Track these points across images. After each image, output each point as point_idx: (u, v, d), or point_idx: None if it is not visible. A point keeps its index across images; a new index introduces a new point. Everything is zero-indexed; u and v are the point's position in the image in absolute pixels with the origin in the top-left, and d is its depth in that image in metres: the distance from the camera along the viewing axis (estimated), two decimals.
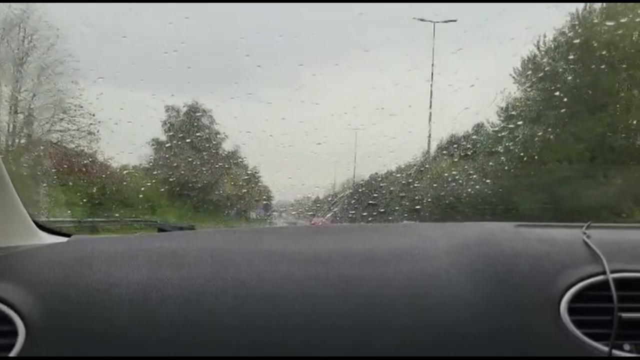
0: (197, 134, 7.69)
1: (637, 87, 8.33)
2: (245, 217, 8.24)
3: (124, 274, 0.99)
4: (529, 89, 8.76)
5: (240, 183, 7.54)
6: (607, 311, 0.89)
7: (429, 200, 5.70)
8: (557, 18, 8.38)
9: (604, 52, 7.61)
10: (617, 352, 0.88)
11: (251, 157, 7.66)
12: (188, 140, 7.08)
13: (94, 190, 4.43)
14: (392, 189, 5.55)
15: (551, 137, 7.98)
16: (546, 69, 8.55)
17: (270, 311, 0.93)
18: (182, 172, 6.11)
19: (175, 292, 0.95)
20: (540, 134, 7.66)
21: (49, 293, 0.96)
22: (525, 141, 7.54)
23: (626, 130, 8.26)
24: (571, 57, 8.04)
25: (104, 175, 4.84)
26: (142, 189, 5.51)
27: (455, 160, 6.77)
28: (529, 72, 8.77)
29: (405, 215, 5.27)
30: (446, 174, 6.00)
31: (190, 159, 6.55)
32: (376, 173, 6.79)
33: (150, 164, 6.15)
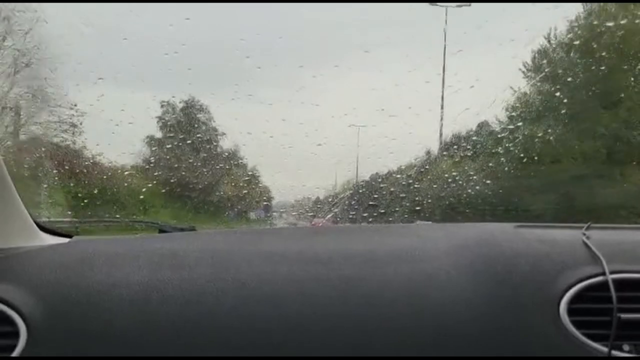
0: (198, 135, 7.70)
1: None
2: (246, 218, 8.24)
3: (125, 275, 0.99)
4: (538, 83, 8.57)
5: (241, 184, 7.54)
6: (607, 312, 0.89)
7: (429, 201, 5.69)
8: (557, 19, 8.37)
9: (619, 45, 7.40)
10: (616, 353, 0.88)
11: (252, 158, 7.66)
12: (189, 142, 7.08)
13: (95, 192, 4.43)
14: (392, 189, 5.55)
15: (564, 134, 7.76)
16: (557, 61, 8.32)
17: (270, 312, 0.93)
18: (183, 173, 6.12)
19: (176, 293, 0.95)
20: (550, 131, 7.48)
21: (50, 294, 0.96)
22: (534, 139, 7.38)
23: None
24: (582, 50, 7.79)
25: (105, 177, 4.84)
26: (143, 189, 5.51)
27: (456, 160, 6.76)
28: (541, 64, 8.57)
29: (406, 216, 5.27)
30: (446, 175, 6.00)
31: (190, 160, 6.55)
32: (377, 173, 6.79)
33: (152, 164, 6.16)
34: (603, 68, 7.42)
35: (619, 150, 7.89)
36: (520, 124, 7.96)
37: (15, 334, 0.91)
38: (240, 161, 8.01)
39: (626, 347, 0.89)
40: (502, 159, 6.78)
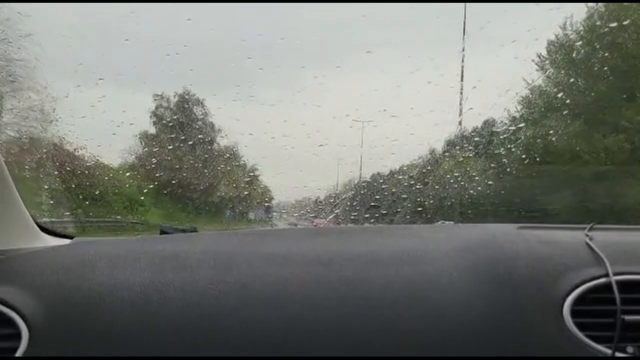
0: (199, 137, 7.71)
1: None
2: (247, 219, 8.24)
3: (126, 277, 0.99)
4: (554, 74, 8.33)
5: (242, 185, 7.55)
6: (610, 313, 0.89)
7: (431, 201, 5.68)
8: (559, 19, 8.33)
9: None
10: (620, 355, 0.88)
11: (253, 159, 7.67)
12: (190, 143, 7.09)
13: (97, 193, 4.43)
14: (394, 190, 5.55)
15: (584, 128, 7.43)
16: (576, 50, 8.04)
17: (272, 314, 0.93)
18: (184, 174, 6.12)
19: (177, 294, 0.95)
20: (568, 124, 7.22)
21: (51, 295, 0.96)
22: (548, 135, 7.15)
23: None
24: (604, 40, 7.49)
25: (106, 178, 4.85)
26: (145, 190, 5.52)
27: (460, 160, 6.75)
28: (557, 56, 8.34)
29: (408, 217, 5.26)
30: (448, 175, 5.99)
31: (192, 161, 6.56)
32: (378, 174, 6.79)
33: (153, 165, 6.16)
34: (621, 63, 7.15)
35: None
36: (536, 116, 7.76)
37: (17, 336, 0.91)
38: (242, 162, 8.02)
39: (630, 349, 0.88)
40: (512, 156, 6.70)
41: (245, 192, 7.56)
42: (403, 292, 0.95)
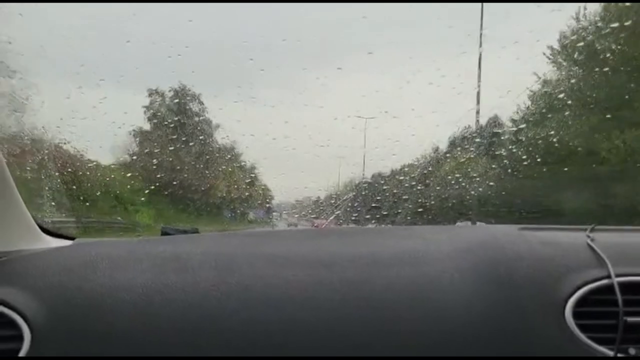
0: (200, 137, 7.72)
1: None
2: (248, 220, 8.25)
3: (128, 278, 0.99)
4: (566, 67, 8.15)
5: (243, 186, 7.55)
6: (612, 315, 0.89)
7: (432, 202, 5.68)
8: (560, 20, 8.31)
9: None
10: (622, 356, 0.87)
11: (254, 160, 7.68)
12: (191, 144, 7.10)
13: (98, 194, 4.43)
14: (395, 191, 5.55)
15: (598, 123, 7.27)
16: (589, 45, 7.86)
17: (273, 315, 0.93)
18: (185, 175, 6.13)
19: (178, 296, 0.95)
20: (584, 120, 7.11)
21: (53, 297, 0.96)
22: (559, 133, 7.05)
23: None
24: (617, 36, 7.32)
25: (107, 179, 4.85)
26: (146, 191, 5.53)
27: (461, 161, 6.74)
28: (569, 51, 8.14)
29: (409, 218, 5.26)
30: (449, 176, 5.99)
31: (193, 162, 6.57)
32: (379, 175, 6.80)
33: (154, 166, 6.17)
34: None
35: None
36: (537, 117, 7.68)
37: (19, 337, 0.91)
38: (243, 163, 8.03)
39: (632, 351, 0.88)
40: (514, 157, 6.65)
41: (246, 193, 7.57)
42: (404, 293, 0.95)
